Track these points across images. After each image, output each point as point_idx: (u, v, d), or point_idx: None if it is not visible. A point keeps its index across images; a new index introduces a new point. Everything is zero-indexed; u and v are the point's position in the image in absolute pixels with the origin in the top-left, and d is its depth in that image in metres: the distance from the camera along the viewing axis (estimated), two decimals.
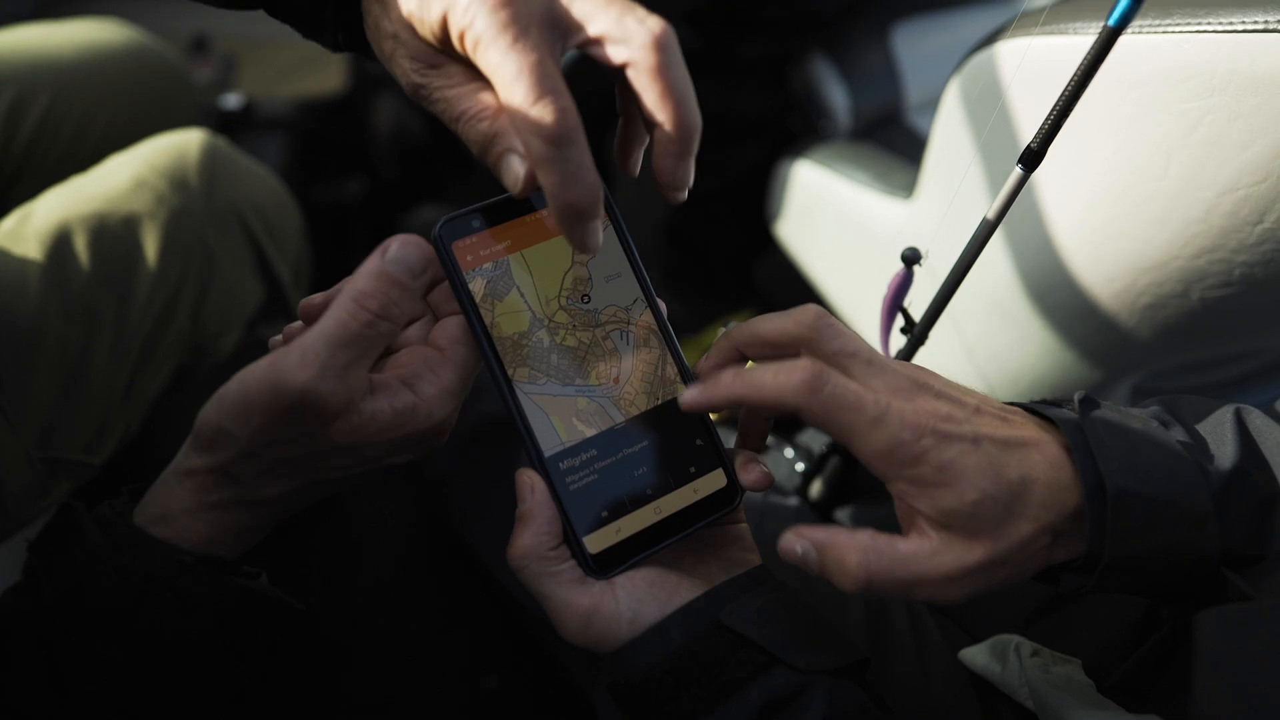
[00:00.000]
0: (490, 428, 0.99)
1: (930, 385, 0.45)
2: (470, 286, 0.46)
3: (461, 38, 0.40)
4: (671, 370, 0.49)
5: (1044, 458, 0.44)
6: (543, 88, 0.38)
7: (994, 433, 0.44)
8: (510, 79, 0.38)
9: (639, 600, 0.46)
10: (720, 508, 0.49)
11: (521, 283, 0.47)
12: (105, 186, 0.78)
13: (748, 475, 0.48)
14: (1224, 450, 0.46)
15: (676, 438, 0.49)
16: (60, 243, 0.73)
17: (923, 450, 0.42)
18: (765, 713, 0.44)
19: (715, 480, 0.49)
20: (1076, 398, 0.48)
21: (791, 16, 1.32)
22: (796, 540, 0.45)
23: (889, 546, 0.43)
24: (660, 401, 0.49)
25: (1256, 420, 0.47)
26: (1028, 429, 0.46)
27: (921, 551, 0.43)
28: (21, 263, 0.72)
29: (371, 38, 0.46)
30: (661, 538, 0.48)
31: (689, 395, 0.46)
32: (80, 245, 0.74)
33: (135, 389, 0.76)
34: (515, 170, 0.43)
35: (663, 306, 0.50)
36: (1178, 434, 0.46)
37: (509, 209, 0.47)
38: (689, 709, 0.44)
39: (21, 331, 0.70)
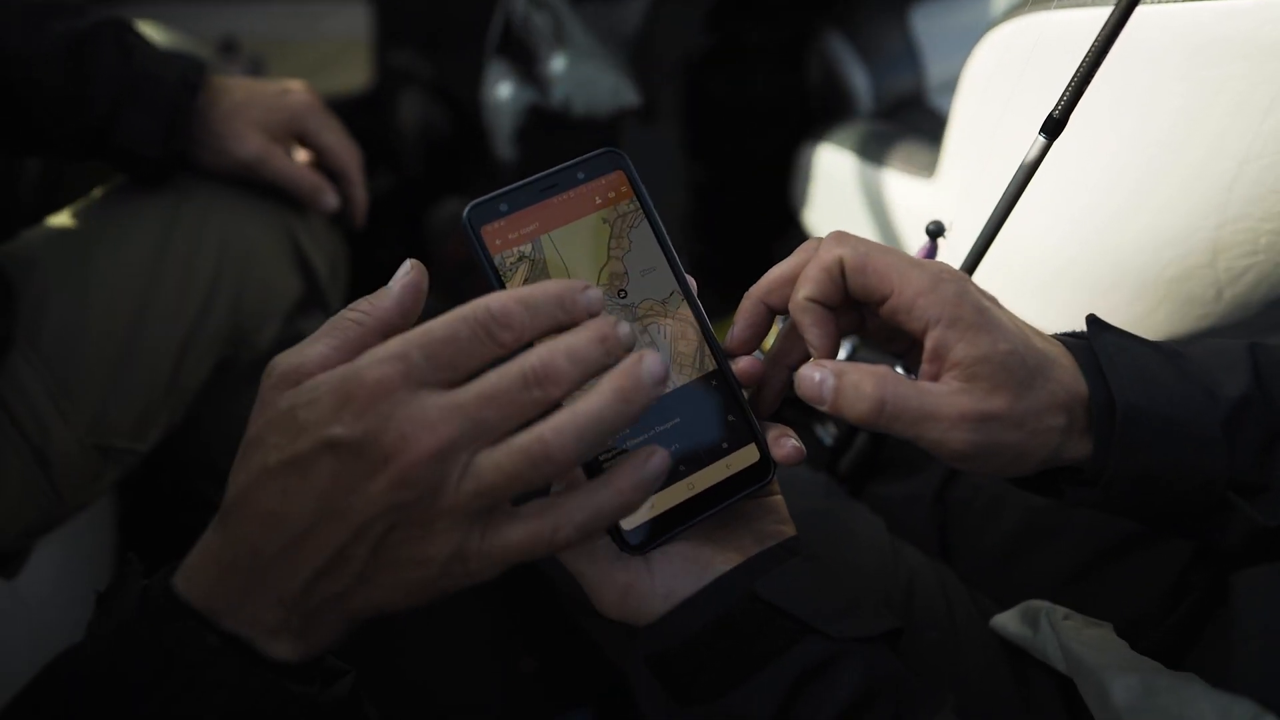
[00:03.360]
0: None
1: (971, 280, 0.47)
2: (503, 275, 0.46)
3: None
4: (705, 350, 0.50)
5: (1067, 359, 0.46)
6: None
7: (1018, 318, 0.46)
8: None
9: (674, 575, 0.47)
10: (753, 482, 0.49)
11: (557, 277, 0.47)
12: None
13: (780, 450, 0.49)
14: (1235, 380, 0.46)
15: (709, 414, 0.49)
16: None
17: (964, 289, 0.44)
18: (800, 681, 0.44)
19: (748, 455, 0.49)
20: (1086, 319, 0.49)
21: None
22: (815, 368, 0.45)
23: (908, 380, 0.44)
24: (692, 378, 0.49)
25: (1271, 355, 0.48)
26: (1053, 339, 0.48)
27: (941, 389, 0.44)
28: None
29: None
30: (695, 513, 0.48)
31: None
32: (126, 238, 0.76)
33: (179, 378, 0.78)
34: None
35: (692, 284, 0.50)
36: (1189, 364, 0.47)
37: (535, 191, 0.47)
38: (725, 679, 0.45)
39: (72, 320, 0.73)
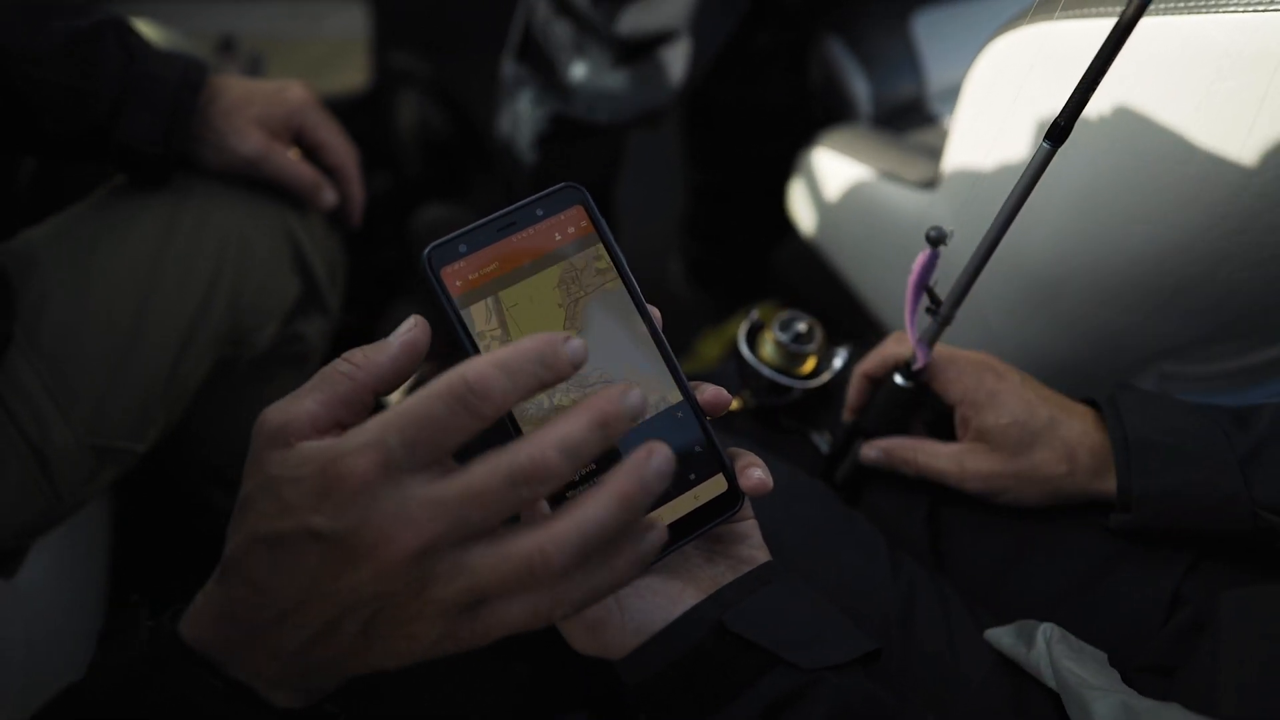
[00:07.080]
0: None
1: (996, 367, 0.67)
2: (463, 315, 0.45)
3: None
4: (670, 381, 0.49)
5: (1081, 418, 0.64)
6: None
7: (1040, 389, 0.66)
8: None
9: (643, 608, 0.46)
10: (722, 512, 0.49)
11: (520, 315, 0.46)
12: None
13: (747, 480, 0.48)
14: (1258, 418, 0.58)
15: (675, 446, 0.46)
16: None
17: (981, 378, 0.65)
18: (769, 713, 0.44)
19: (716, 486, 0.48)
20: (1115, 385, 0.64)
21: (806, 1, 1.33)
22: (871, 449, 0.72)
23: (932, 447, 0.69)
24: (656, 412, 0.48)
25: None
26: (1076, 404, 0.65)
27: (954, 450, 0.67)
28: None
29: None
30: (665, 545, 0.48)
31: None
32: (126, 237, 0.76)
33: (177, 378, 0.78)
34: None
35: (656, 316, 0.49)
36: (1208, 410, 0.53)
37: (494, 230, 0.46)
38: (696, 711, 0.45)
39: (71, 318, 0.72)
